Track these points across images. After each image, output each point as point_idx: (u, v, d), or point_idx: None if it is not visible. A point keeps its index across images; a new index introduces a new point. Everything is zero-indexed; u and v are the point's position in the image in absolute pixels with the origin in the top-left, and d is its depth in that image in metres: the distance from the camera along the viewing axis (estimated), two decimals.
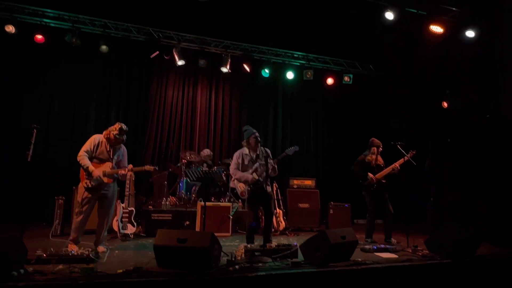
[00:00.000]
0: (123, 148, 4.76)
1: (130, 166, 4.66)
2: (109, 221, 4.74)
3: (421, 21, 6.91)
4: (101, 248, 4.48)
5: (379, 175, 5.62)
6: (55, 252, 3.69)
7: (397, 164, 5.57)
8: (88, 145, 4.51)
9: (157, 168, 5.02)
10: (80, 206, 4.43)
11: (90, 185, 4.39)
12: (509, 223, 5.63)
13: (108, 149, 4.55)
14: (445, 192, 7.31)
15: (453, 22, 7.01)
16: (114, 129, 4.49)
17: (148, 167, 4.81)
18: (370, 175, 5.60)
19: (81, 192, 4.45)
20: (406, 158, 5.41)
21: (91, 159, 4.47)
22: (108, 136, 4.51)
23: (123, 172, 4.54)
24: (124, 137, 4.60)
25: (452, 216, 6.96)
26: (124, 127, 4.56)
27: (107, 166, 4.51)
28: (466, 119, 7.32)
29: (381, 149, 5.77)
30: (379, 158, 5.79)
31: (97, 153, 4.50)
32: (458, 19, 7.00)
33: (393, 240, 5.45)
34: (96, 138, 4.57)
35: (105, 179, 4.47)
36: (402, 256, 4.34)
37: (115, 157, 4.61)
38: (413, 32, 7.29)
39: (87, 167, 4.38)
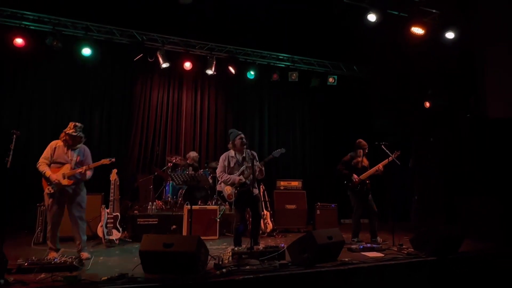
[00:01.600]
0: (84, 148, 4.73)
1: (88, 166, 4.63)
2: (83, 225, 4.65)
3: (402, 23, 7.03)
4: (84, 254, 4.39)
5: (363, 176, 5.71)
6: (37, 261, 3.59)
7: (380, 166, 5.68)
8: (46, 152, 4.52)
9: (113, 160, 4.83)
10: (48, 213, 4.42)
11: (51, 191, 4.37)
12: (490, 219, 5.79)
13: (65, 151, 4.53)
14: (429, 190, 7.46)
15: (434, 24, 7.17)
16: (68, 129, 4.50)
17: (104, 160, 4.72)
18: (355, 176, 5.69)
19: (46, 200, 4.43)
20: (390, 158, 5.51)
21: (50, 164, 4.45)
22: (64, 138, 4.51)
23: (80, 170, 4.49)
24: (81, 134, 4.56)
25: (436, 213, 7.11)
26: (78, 124, 4.55)
27: (66, 168, 4.48)
28: (448, 119, 7.50)
29: (366, 151, 5.86)
30: (364, 159, 5.88)
31: (54, 158, 4.49)
32: (438, 21, 7.16)
33: (379, 239, 5.54)
34: (53, 143, 4.56)
35: (65, 181, 4.42)
36: (388, 255, 4.40)
37: (75, 158, 4.57)
38: (395, 34, 7.42)
39: (45, 173, 4.38)
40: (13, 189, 6.59)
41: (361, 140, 5.91)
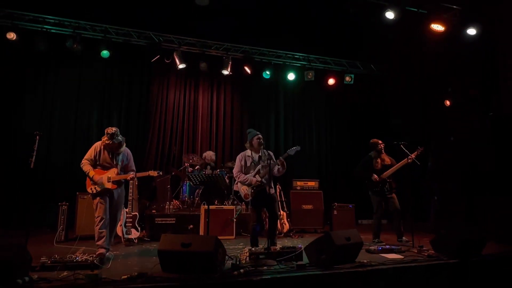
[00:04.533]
0: (127, 151, 4.74)
1: (133, 173, 4.70)
2: (116, 226, 4.72)
3: (421, 20, 6.88)
4: (101, 250, 4.38)
5: (384, 174, 5.59)
6: (60, 259, 3.68)
7: (400, 165, 5.52)
8: (89, 153, 4.55)
9: (161, 173, 5.06)
10: (96, 212, 4.42)
11: (96, 190, 4.41)
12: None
13: (110, 156, 4.54)
14: (449, 191, 7.28)
15: (454, 20, 6.98)
16: (105, 138, 4.46)
17: (152, 172, 4.87)
18: (374, 176, 5.59)
19: (91, 199, 4.49)
20: (410, 159, 5.35)
21: (95, 166, 4.50)
22: (104, 144, 4.52)
23: (127, 177, 4.58)
24: (118, 139, 4.48)
25: (456, 214, 6.93)
26: (111, 130, 4.46)
27: (113, 172, 4.52)
28: (468, 117, 7.29)
29: (380, 146, 5.70)
30: (385, 157, 5.72)
31: (100, 161, 4.52)
32: (459, 17, 6.98)
33: (404, 239, 5.37)
34: (97, 145, 4.58)
35: (109, 185, 4.46)
36: (407, 257, 4.31)
37: (120, 163, 4.61)
38: (414, 31, 7.27)
39: (88, 173, 4.42)
40: (35, 188, 6.80)
41: (372, 139, 5.82)
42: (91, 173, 4.41)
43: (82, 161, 4.50)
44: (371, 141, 5.83)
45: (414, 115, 8.37)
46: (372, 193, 5.70)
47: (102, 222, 4.35)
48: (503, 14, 6.87)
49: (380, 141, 5.74)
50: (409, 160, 5.40)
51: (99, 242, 4.30)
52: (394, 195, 5.60)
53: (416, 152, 5.40)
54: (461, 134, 7.29)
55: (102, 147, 4.54)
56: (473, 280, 4.05)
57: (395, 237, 5.56)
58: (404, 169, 5.55)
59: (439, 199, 7.48)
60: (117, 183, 4.53)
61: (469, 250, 4.19)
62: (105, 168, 4.53)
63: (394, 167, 5.59)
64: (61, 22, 7.16)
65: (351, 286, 3.60)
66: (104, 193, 4.45)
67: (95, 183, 4.41)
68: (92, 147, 4.60)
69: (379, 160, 5.68)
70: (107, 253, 4.36)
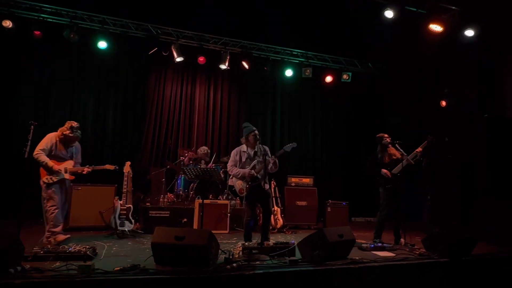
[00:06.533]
0: (77, 144, 4.94)
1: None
2: (65, 212, 4.93)
3: (420, 19, 6.89)
4: (61, 237, 4.58)
5: (395, 170, 5.25)
6: (52, 249, 3.68)
7: (405, 161, 5.17)
8: (44, 143, 4.64)
9: (117, 167, 5.14)
10: (47, 201, 4.56)
11: (52, 181, 4.55)
12: (505, 222, 5.66)
13: (65, 148, 4.72)
14: (442, 191, 7.34)
15: (453, 21, 7.00)
16: (65, 129, 4.67)
17: (108, 166, 5.06)
18: (386, 171, 5.27)
19: (44, 189, 4.58)
20: (419, 149, 5.14)
21: (49, 157, 4.61)
22: (62, 137, 4.67)
23: (83, 170, 4.78)
24: (78, 132, 4.76)
25: (448, 214, 6.99)
26: (75, 124, 4.73)
27: (69, 164, 4.75)
28: (464, 118, 7.34)
29: (387, 140, 5.37)
30: (393, 151, 5.37)
31: (56, 152, 4.66)
32: (458, 18, 7.00)
33: (402, 240, 5.19)
34: (52, 137, 4.69)
35: (67, 176, 4.69)
36: (399, 255, 4.35)
37: (74, 155, 4.83)
38: (412, 31, 7.28)
39: (46, 163, 4.53)
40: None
41: (378, 134, 5.54)
42: (50, 163, 4.55)
43: (37, 152, 4.56)
44: (377, 135, 5.54)
45: (410, 114, 8.41)
46: (383, 190, 5.33)
47: (57, 211, 4.54)
48: (501, 16, 6.91)
49: (386, 135, 5.45)
50: (402, 164, 5.15)
51: (57, 229, 4.53)
52: (401, 197, 5.28)
53: (424, 143, 5.15)
54: (456, 135, 7.34)
55: (58, 139, 4.68)
56: (463, 279, 4.11)
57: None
58: (416, 160, 5.23)
59: (432, 198, 7.55)
60: (74, 174, 4.76)
61: (460, 249, 4.24)
62: (60, 159, 4.70)
63: (400, 164, 5.21)
64: (58, 11, 7.09)
65: (343, 282, 3.64)
66: (60, 183, 4.63)
67: (53, 173, 4.56)
68: (46, 138, 4.69)
69: (386, 154, 5.36)
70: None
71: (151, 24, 7.64)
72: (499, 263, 4.41)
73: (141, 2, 7.35)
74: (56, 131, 4.74)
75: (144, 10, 7.49)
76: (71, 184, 5.09)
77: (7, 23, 6.60)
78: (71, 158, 4.81)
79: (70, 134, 4.66)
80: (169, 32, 7.79)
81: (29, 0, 6.85)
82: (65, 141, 4.72)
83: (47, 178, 4.56)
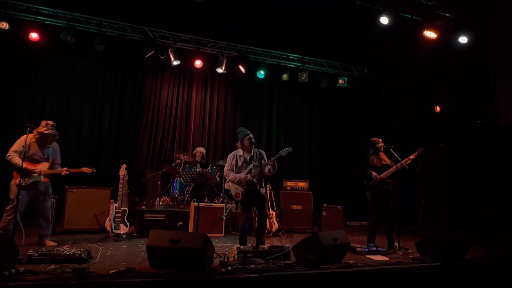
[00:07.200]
0: (56, 146, 4.85)
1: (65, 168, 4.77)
2: (49, 216, 4.86)
3: (415, 26, 6.98)
4: (50, 243, 4.58)
5: (384, 174, 5.27)
6: (47, 252, 3.67)
7: (398, 165, 5.20)
8: (17, 145, 4.57)
9: (94, 170, 4.98)
10: (12, 203, 4.46)
11: (24, 183, 4.43)
12: (498, 226, 5.73)
13: (41, 149, 4.62)
14: (436, 195, 7.40)
15: (447, 28, 7.11)
16: (40, 128, 4.58)
17: (86, 169, 4.89)
18: (374, 173, 5.27)
19: (13, 190, 4.48)
20: (411, 157, 5.20)
21: (22, 159, 4.47)
22: (38, 136, 4.58)
23: (60, 172, 4.68)
24: (54, 131, 4.64)
25: (442, 219, 7.05)
26: (50, 122, 4.63)
27: (44, 166, 4.63)
28: (457, 124, 7.42)
29: (380, 145, 5.42)
30: (384, 157, 5.42)
31: (30, 154, 4.55)
32: (452, 25, 7.10)
33: (395, 245, 5.15)
34: (27, 138, 4.58)
35: (42, 178, 4.59)
36: (393, 259, 4.38)
37: (51, 157, 4.72)
38: (407, 37, 7.36)
39: (19, 165, 4.39)
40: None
41: (372, 138, 5.57)
42: (24, 165, 4.42)
43: (9, 153, 4.51)
44: (371, 139, 5.56)
45: (405, 119, 8.48)
46: (370, 193, 5.33)
47: (11, 217, 4.40)
48: (495, 23, 7.01)
49: (380, 140, 5.49)
50: (411, 158, 5.20)
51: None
52: (392, 201, 5.29)
53: (416, 153, 5.22)
54: (450, 140, 7.42)
55: (33, 140, 4.59)
56: (457, 283, 4.15)
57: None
58: (399, 172, 5.28)
59: (426, 203, 7.61)
60: (48, 176, 4.65)
61: (453, 253, 4.28)
62: (35, 161, 4.58)
63: (393, 167, 5.26)
64: (55, 14, 7.09)
65: (337, 286, 3.66)
66: (33, 186, 4.53)
67: (27, 175, 4.46)
68: (20, 139, 4.61)
69: (376, 158, 5.38)
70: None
71: (148, 27, 7.66)
72: (492, 267, 4.45)
73: (138, 5, 7.37)
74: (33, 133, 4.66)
75: (141, 13, 7.51)
76: (50, 188, 4.88)
77: (4, 25, 6.60)
78: (47, 160, 4.68)
79: (46, 131, 4.54)
80: (166, 35, 7.82)
81: (26, 2, 6.85)
82: (41, 141, 4.60)
83: (20, 180, 4.40)
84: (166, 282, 3.13)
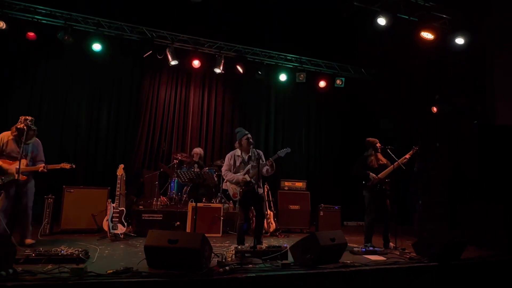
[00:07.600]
0: (38, 142, 4.74)
1: (43, 165, 4.63)
2: (30, 216, 4.69)
3: (412, 27, 7.01)
4: (29, 241, 4.51)
5: (381, 174, 5.32)
6: (45, 252, 3.66)
7: (395, 164, 5.28)
8: None
9: (74, 166, 4.82)
10: None
11: (1, 182, 4.35)
12: (495, 226, 5.76)
13: (19, 146, 4.43)
14: (433, 195, 7.44)
15: (444, 29, 7.14)
16: (18, 123, 4.43)
17: (64, 165, 4.75)
18: (372, 174, 5.33)
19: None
20: (407, 156, 5.28)
21: (0, 156, 4.41)
22: (16, 133, 4.46)
23: (37, 169, 4.55)
24: (32, 126, 4.47)
25: (439, 219, 7.09)
26: (29, 117, 4.47)
27: (22, 164, 4.41)
28: (454, 124, 7.47)
29: (378, 145, 5.48)
30: (380, 157, 5.47)
31: (7, 151, 4.47)
32: (449, 26, 7.14)
33: (391, 244, 5.24)
34: (4, 136, 4.51)
35: (20, 176, 4.37)
36: (390, 259, 4.41)
37: (29, 153, 4.58)
38: (404, 38, 7.40)
39: None
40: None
41: (369, 138, 5.63)
42: (0, 163, 4.35)
43: None
44: (368, 139, 5.61)
45: (402, 120, 8.52)
46: (368, 193, 5.37)
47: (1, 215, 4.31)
48: (491, 25, 7.06)
49: (377, 140, 5.55)
50: (406, 157, 5.27)
51: None
52: (388, 201, 5.35)
53: (411, 152, 5.28)
54: (447, 140, 7.46)
55: (11, 137, 4.50)
56: (453, 283, 4.18)
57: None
58: (395, 172, 5.35)
59: (423, 203, 7.64)
60: (27, 174, 4.53)
61: (450, 253, 4.31)
62: (12, 158, 4.48)
63: (391, 167, 5.32)
64: (53, 13, 7.07)
65: (334, 285, 3.68)
66: (10, 185, 4.40)
67: (2, 173, 4.36)
68: None
69: (375, 159, 5.43)
70: None
71: (146, 27, 7.66)
72: (488, 267, 4.49)
73: (136, 5, 7.36)
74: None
75: (139, 13, 7.51)
76: (32, 187, 4.72)
77: (1, 24, 6.57)
78: (25, 157, 4.51)
79: (23, 127, 4.35)
80: (164, 35, 7.82)
81: (23, 1, 6.83)
82: (19, 137, 4.41)
83: None
84: (164, 282, 3.14)
